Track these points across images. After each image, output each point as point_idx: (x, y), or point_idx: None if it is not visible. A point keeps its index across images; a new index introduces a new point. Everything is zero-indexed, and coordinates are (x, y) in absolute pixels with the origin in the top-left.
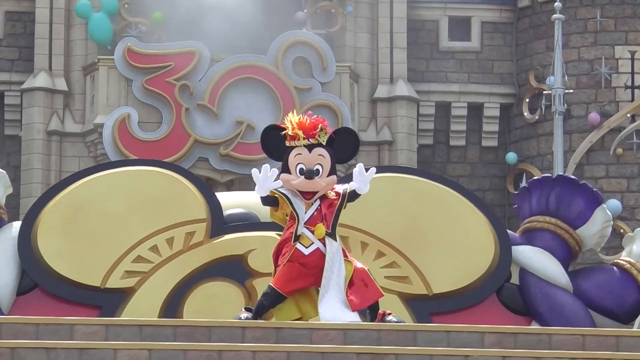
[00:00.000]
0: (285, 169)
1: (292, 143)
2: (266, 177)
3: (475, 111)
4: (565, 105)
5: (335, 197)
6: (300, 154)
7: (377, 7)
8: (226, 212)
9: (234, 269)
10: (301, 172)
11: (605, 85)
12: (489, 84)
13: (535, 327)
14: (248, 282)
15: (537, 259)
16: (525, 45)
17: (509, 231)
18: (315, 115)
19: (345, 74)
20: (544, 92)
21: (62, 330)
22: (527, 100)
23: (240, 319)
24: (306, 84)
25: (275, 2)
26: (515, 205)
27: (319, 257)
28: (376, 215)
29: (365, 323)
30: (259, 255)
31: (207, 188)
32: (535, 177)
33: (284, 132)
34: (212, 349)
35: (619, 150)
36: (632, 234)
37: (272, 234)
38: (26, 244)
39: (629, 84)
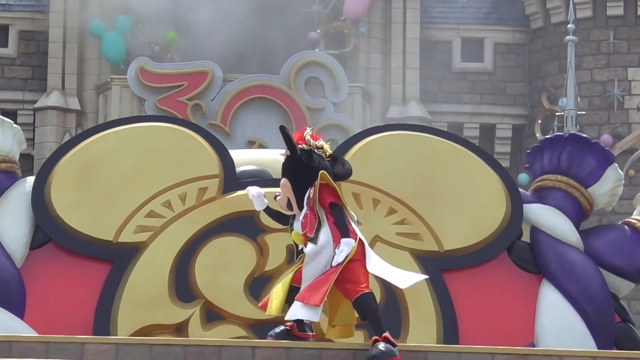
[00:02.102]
0: None
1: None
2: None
3: (488, 132)
4: (578, 126)
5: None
6: None
7: (390, 27)
8: (239, 169)
9: (246, 224)
10: None
11: (618, 107)
12: (501, 105)
13: (546, 349)
14: (260, 237)
15: (549, 217)
16: (538, 66)
17: (520, 189)
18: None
19: (357, 95)
20: (557, 113)
21: (72, 349)
22: (540, 121)
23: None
24: (319, 104)
25: (288, 23)
26: (527, 164)
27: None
28: (388, 172)
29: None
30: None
31: (221, 145)
32: (547, 136)
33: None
34: None
35: (631, 172)
36: None
37: None
38: (40, 199)
39: None
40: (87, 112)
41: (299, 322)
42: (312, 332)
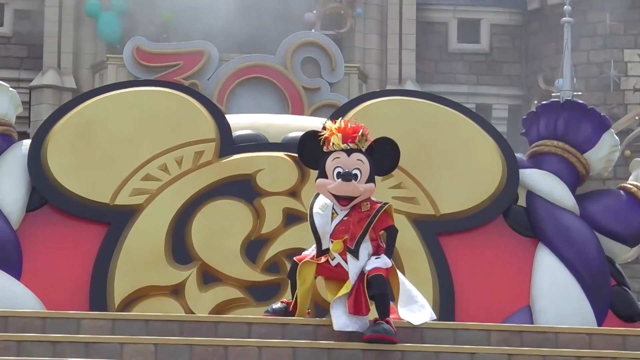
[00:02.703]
0: (322, 174)
1: (331, 147)
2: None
3: (484, 112)
4: None
5: (368, 210)
6: (338, 157)
7: (387, 8)
8: (235, 133)
9: (242, 188)
10: (339, 175)
11: (614, 88)
12: (497, 85)
13: (541, 326)
14: (256, 200)
15: (545, 182)
16: (534, 47)
17: (516, 154)
18: (356, 123)
19: (354, 75)
20: (553, 94)
21: (69, 324)
22: (536, 102)
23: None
24: (315, 84)
25: (285, 3)
26: (523, 130)
27: (343, 272)
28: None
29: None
30: (267, 175)
31: (217, 109)
32: (543, 102)
33: (322, 136)
34: (218, 344)
35: (627, 152)
36: (639, 159)
37: (281, 154)
38: (36, 161)
39: (638, 87)
40: (83, 91)
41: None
42: (308, 310)
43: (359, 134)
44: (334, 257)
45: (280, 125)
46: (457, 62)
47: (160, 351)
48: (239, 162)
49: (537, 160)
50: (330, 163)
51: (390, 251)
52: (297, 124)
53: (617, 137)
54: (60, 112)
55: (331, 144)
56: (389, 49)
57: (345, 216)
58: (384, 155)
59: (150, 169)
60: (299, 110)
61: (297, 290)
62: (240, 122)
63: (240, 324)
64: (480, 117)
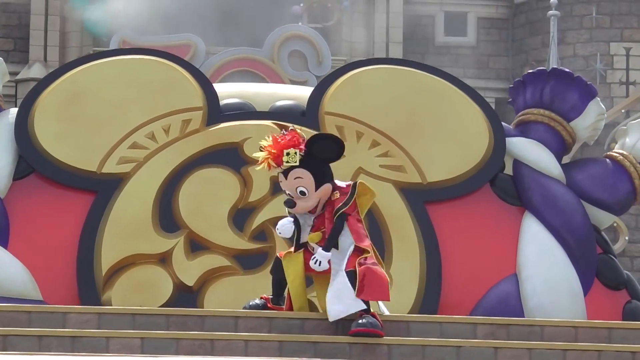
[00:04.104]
0: None
1: (272, 172)
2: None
3: None
4: None
5: (339, 198)
6: (281, 181)
7: (374, 1)
8: (222, 102)
9: (229, 156)
10: (285, 203)
11: (600, 81)
12: (484, 79)
13: (528, 319)
14: (244, 169)
15: (531, 150)
16: (521, 40)
17: (503, 123)
18: (284, 133)
19: None
20: None
21: (55, 319)
22: None
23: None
24: (302, 77)
25: None
26: (510, 99)
27: None
28: (371, 105)
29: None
30: (255, 143)
31: (204, 77)
32: (530, 71)
33: (259, 167)
34: (204, 338)
35: (613, 145)
36: (625, 127)
37: (268, 122)
38: (23, 129)
39: (624, 80)
40: None
41: (276, 296)
42: (284, 306)
43: (284, 154)
44: (314, 249)
45: (267, 94)
46: (444, 56)
47: (147, 345)
48: (227, 131)
49: (524, 129)
50: (281, 185)
51: (330, 242)
52: (285, 93)
53: (603, 106)
54: (47, 81)
55: (271, 168)
56: (375, 42)
57: (321, 211)
58: (324, 148)
59: (138, 137)
60: None
61: (288, 287)
62: (228, 91)
63: (227, 317)
64: (467, 86)
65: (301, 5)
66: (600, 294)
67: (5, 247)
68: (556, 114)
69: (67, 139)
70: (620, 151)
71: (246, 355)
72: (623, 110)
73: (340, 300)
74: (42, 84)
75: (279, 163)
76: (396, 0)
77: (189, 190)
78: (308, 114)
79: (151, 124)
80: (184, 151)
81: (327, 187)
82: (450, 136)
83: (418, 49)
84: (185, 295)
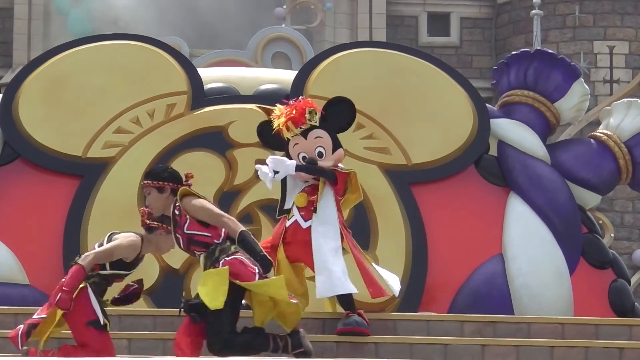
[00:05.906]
0: (290, 157)
1: (287, 135)
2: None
3: None
4: None
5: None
6: (297, 143)
7: (357, 2)
8: (207, 86)
9: (214, 139)
10: (304, 160)
11: (584, 80)
12: (468, 78)
13: (515, 316)
14: (229, 152)
15: (516, 131)
16: (504, 40)
17: (487, 105)
18: (299, 98)
19: None
20: None
21: None
22: None
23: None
24: None
25: None
26: (494, 81)
27: (302, 231)
28: (356, 87)
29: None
30: (239, 127)
31: (188, 62)
32: (514, 52)
33: (274, 129)
34: None
35: None
36: (609, 107)
37: (252, 106)
38: (7, 115)
39: (608, 78)
40: None
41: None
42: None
43: (307, 113)
44: (292, 216)
45: (251, 78)
46: None
47: (134, 346)
48: (211, 114)
49: (508, 110)
50: (293, 150)
51: (309, 168)
52: (269, 77)
53: (587, 87)
54: (31, 66)
55: (286, 132)
56: None
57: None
58: (340, 113)
59: (122, 121)
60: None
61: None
62: (212, 75)
63: None
64: (451, 68)
65: (284, 7)
66: (586, 273)
67: None
68: (540, 95)
69: (51, 124)
70: (605, 131)
71: None
72: (608, 108)
73: (330, 279)
74: (26, 69)
75: (300, 122)
76: (379, 1)
77: None
78: (292, 97)
79: (136, 108)
80: (169, 135)
81: (341, 151)
82: (434, 118)
83: None
84: (172, 278)
